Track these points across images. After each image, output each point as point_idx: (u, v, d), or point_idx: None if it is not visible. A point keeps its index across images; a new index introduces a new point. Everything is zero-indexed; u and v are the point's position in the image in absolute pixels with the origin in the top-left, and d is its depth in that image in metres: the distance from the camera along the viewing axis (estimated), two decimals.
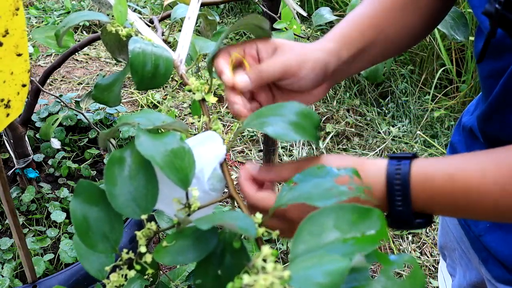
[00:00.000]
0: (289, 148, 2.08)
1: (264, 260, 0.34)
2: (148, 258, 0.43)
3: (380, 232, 0.35)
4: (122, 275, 0.43)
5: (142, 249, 0.43)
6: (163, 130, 0.48)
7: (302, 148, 2.08)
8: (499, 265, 0.66)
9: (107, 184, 0.43)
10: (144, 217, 0.43)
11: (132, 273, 0.43)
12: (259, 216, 0.44)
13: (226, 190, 0.51)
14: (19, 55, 0.57)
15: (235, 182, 0.52)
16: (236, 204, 0.49)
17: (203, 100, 0.56)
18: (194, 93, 0.56)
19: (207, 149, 0.51)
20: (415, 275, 0.33)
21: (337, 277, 0.29)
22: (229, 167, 0.53)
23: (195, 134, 0.54)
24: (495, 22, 0.47)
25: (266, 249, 0.35)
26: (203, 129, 0.56)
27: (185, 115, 2.21)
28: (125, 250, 0.44)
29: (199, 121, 0.57)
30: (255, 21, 0.54)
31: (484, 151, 0.48)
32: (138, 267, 0.43)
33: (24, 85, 0.59)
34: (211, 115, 0.56)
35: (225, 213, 0.42)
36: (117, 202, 0.42)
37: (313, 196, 0.40)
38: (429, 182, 0.47)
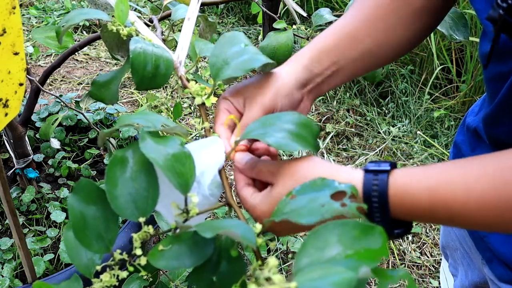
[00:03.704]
0: None
1: (273, 269, 0.34)
2: (143, 261, 0.42)
3: (381, 248, 0.35)
4: (114, 275, 0.43)
5: (138, 251, 0.43)
6: (165, 134, 0.48)
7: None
8: (503, 265, 0.66)
9: (108, 185, 0.43)
10: (142, 220, 0.43)
11: (124, 274, 0.43)
12: (258, 226, 0.44)
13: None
14: (15, 54, 0.57)
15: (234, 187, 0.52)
16: (233, 211, 0.49)
17: (203, 104, 0.56)
18: (194, 97, 0.56)
19: (209, 153, 0.51)
20: None
21: (346, 287, 0.29)
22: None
23: (195, 135, 0.54)
24: (498, 27, 0.46)
25: (272, 261, 0.35)
26: (203, 130, 0.56)
27: (185, 115, 2.22)
28: (118, 251, 0.44)
29: (199, 124, 0.57)
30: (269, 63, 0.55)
31: (468, 161, 0.46)
32: (131, 268, 0.43)
33: (21, 84, 0.59)
34: (211, 115, 0.56)
35: (226, 220, 0.42)
36: (117, 203, 0.42)
37: (301, 213, 0.40)
38: (409, 197, 0.45)
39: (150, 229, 0.44)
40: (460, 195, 0.44)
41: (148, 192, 0.43)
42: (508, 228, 0.44)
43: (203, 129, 0.56)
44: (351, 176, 0.47)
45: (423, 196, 0.45)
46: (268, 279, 0.34)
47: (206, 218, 0.53)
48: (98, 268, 0.45)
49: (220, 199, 0.51)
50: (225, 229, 0.39)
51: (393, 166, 0.48)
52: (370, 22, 0.61)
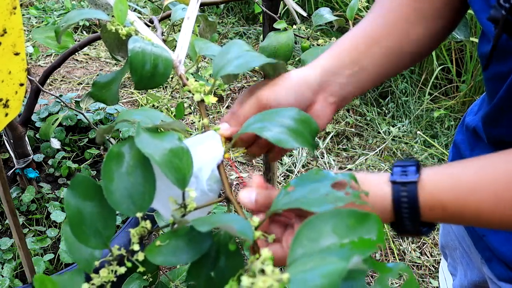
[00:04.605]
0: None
1: (266, 261, 0.34)
2: (141, 256, 0.42)
3: (377, 237, 0.35)
4: (112, 271, 0.43)
5: (135, 247, 0.43)
6: (163, 130, 0.48)
7: (302, 149, 2.08)
8: (502, 264, 0.67)
9: (104, 179, 0.42)
10: (139, 215, 0.43)
11: (122, 270, 0.43)
12: (256, 219, 0.44)
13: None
14: (16, 54, 0.57)
15: (234, 183, 0.51)
16: (232, 206, 0.49)
17: (202, 101, 0.56)
18: (193, 94, 0.56)
19: (206, 149, 0.51)
20: (410, 284, 0.33)
21: (335, 278, 0.29)
22: (229, 167, 0.53)
23: (196, 134, 0.54)
24: (500, 27, 0.46)
25: (265, 252, 0.35)
26: (203, 129, 0.56)
27: (184, 115, 2.22)
28: (116, 246, 0.44)
29: (199, 121, 0.57)
30: (278, 64, 0.55)
31: (492, 163, 0.47)
32: (129, 264, 0.43)
33: (21, 84, 0.59)
34: (211, 115, 0.56)
35: (223, 215, 0.42)
36: (113, 198, 0.42)
37: (309, 201, 0.40)
38: (439, 208, 0.47)
39: (148, 224, 0.44)
40: (488, 209, 0.46)
41: (145, 187, 0.43)
42: None
43: (203, 126, 0.56)
44: (380, 189, 0.48)
45: (453, 208, 0.47)
46: (262, 271, 0.34)
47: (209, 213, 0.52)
48: (97, 264, 0.45)
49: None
50: (221, 223, 0.39)
51: (418, 169, 0.48)
52: (390, 21, 0.61)
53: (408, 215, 0.47)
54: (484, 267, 0.72)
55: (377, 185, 0.48)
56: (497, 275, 0.68)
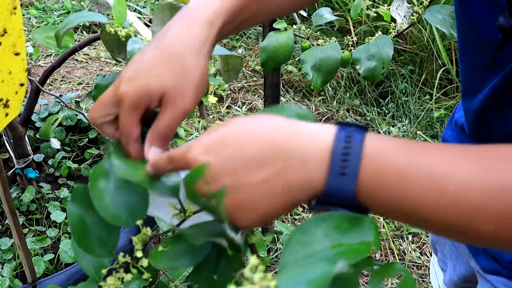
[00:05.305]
0: None
1: (255, 268, 0.34)
2: (145, 262, 0.43)
3: (373, 240, 0.34)
4: (119, 278, 0.43)
5: (138, 254, 0.43)
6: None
7: None
8: (488, 256, 0.68)
9: (94, 199, 0.42)
10: (139, 222, 0.43)
11: (128, 277, 0.43)
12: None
13: None
14: (16, 54, 0.57)
15: None
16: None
17: (201, 102, 0.56)
18: None
19: None
20: (406, 284, 0.33)
21: (319, 285, 0.29)
22: None
23: (195, 135, 0.54)
24: (508, 37, 0.45)
25: (253, 259, 0.34)
26: (202, 130, 0.56)
27: None
28: (121, 254, 0.44)
29: (198, 122, 0.57)
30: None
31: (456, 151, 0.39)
32: (134, 271, 0.43)
33: (22, 84, 0.59)
34: (211, 115, 0.56)
35: (216, 225, 0.41)
36: (108, 214, 0.42)
37: None
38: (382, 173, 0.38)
39: (148, 231, 0.44)
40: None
41: (137, 196, 0.43)
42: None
43: (202, 128, 0.56)
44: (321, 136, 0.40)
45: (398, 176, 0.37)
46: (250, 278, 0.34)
47: None
48: (104, 271, 0.45)
49: None
50: (214, 236, 0.39)
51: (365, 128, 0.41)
52: None
53: (347, 169, 0.37)
54: (471, 261, 0.73)
55: (315, 133, 0.40)
56: (483, 268, 0.69)
